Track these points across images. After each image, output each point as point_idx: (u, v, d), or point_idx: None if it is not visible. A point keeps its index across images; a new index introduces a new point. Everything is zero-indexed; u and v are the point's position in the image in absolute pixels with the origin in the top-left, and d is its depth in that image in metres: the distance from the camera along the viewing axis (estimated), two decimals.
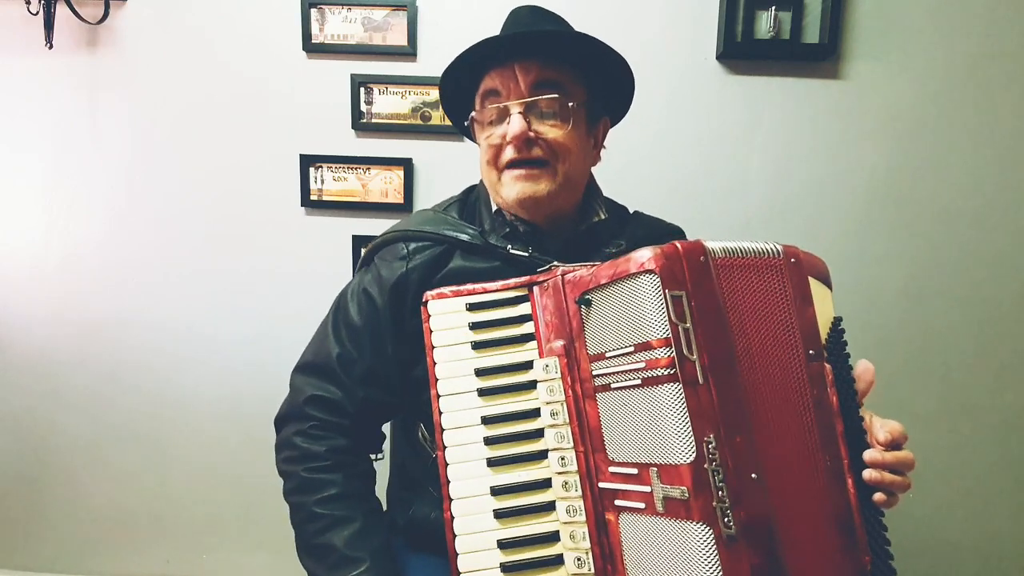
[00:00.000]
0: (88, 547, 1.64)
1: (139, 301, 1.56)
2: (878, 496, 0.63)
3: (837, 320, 0.68)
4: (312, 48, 1.48)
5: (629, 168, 1.48)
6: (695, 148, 1.48)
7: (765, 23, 1.42)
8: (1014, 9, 1.42)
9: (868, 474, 0.63)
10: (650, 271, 0.62)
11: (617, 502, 0.65)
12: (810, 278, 0.68)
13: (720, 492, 0.58)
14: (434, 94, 1.47)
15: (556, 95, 0.80)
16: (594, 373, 0.68)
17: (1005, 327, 1.49)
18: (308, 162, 1.51)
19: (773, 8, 1.41)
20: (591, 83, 0.85)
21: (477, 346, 0.75)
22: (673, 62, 1.46)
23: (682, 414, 0.59)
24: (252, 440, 1.57)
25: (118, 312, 1.56)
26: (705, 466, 0.58)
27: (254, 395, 1.57)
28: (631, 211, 1.00)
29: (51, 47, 1.47)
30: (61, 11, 1.46)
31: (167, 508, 1.61)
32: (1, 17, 1.50)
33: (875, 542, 0.63)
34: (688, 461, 0.59)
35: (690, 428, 0.59)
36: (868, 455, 0.64)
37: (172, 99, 1.51)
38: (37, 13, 1.45)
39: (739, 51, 1.43)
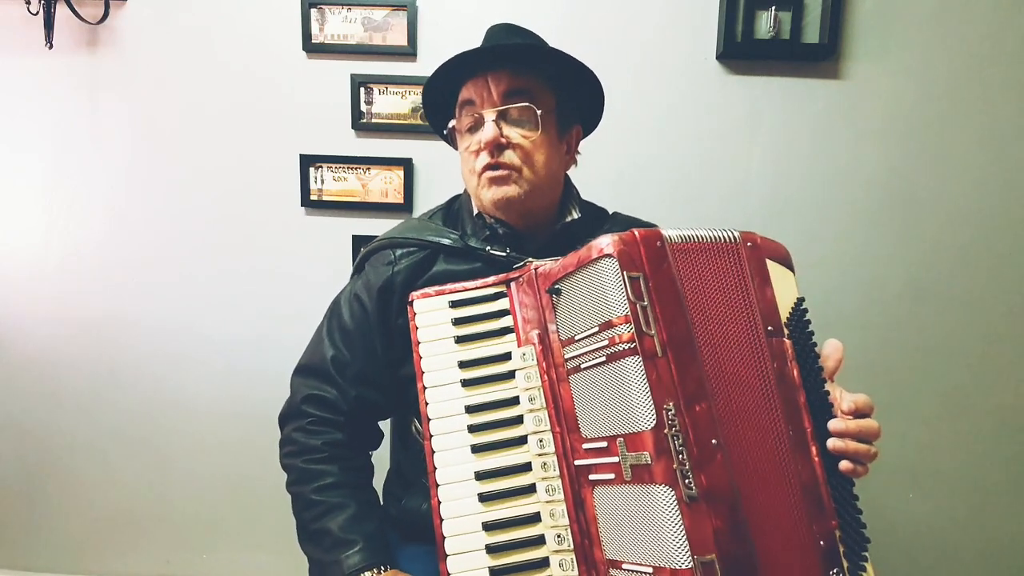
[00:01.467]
0: (88, 547, 1.66)
1: (139, 301, 1.58)
2: (844, 464, 0.66)
3: (799, 300, 0.72)
4: (312, 48, 1.49)
5: (629, 168, 1.49)
6: (695, 148, 1.50)
7: (765, 23, 1.43)
8: (1014, 9, 1.44)
9: (832, 443, 0.66)
10: (609, 255, 0.67)
11: (591, 476, 0.69)
12: (770, 261, 0.72)
13: (680, 456, 0.61)
14: None
15: (526, 103, 0.86)
16: (566, 357, 0.73)
17: (1005, 327, 1.51)
18: (308, 162, 1.52)
19: (773, 8, 1.43)
20: (560, 92, 0.91)
21: (460, 340, 0.80)
22: (673, 62, 1.48)
23: (643, 385, 0.64)
24: (252, 440, 1.58)
25: (118, 312, 1.58)
26: (665, 431, 0.62)
27: (254, 395, 1.58)
28: (611, 212, 1.04)
29: (51, 47, 1.49)
30: (61, 11, 1.48)
31: (167, 508, 1.64)
32: (1, 17, 1.52)
33: (844, 510, 0.66)
34: (649, 427, 0.63)
35: (650, 397, 0.63)
36: (832, 424, 0.67)
37: (172, 99, 1.53)
38: (37, 13, 1.47)
39: (739, 51, 1.45)
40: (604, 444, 0.67)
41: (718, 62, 1.48)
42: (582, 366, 0.70)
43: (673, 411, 0.62)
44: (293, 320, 1.54)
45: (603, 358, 0.67)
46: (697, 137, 1.50)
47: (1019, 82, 1.45)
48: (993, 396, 1.52)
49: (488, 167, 0.86)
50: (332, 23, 1.49)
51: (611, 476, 0.66)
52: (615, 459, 0.65)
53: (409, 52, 1.49)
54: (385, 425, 1.00)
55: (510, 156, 0.86)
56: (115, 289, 1.57)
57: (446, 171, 1.52)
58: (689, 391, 0.64)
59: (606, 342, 0.67)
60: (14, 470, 1.63)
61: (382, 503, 0.99)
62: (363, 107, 1.51)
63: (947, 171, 1.48)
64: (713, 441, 0.63)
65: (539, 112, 0.86)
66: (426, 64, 1.49)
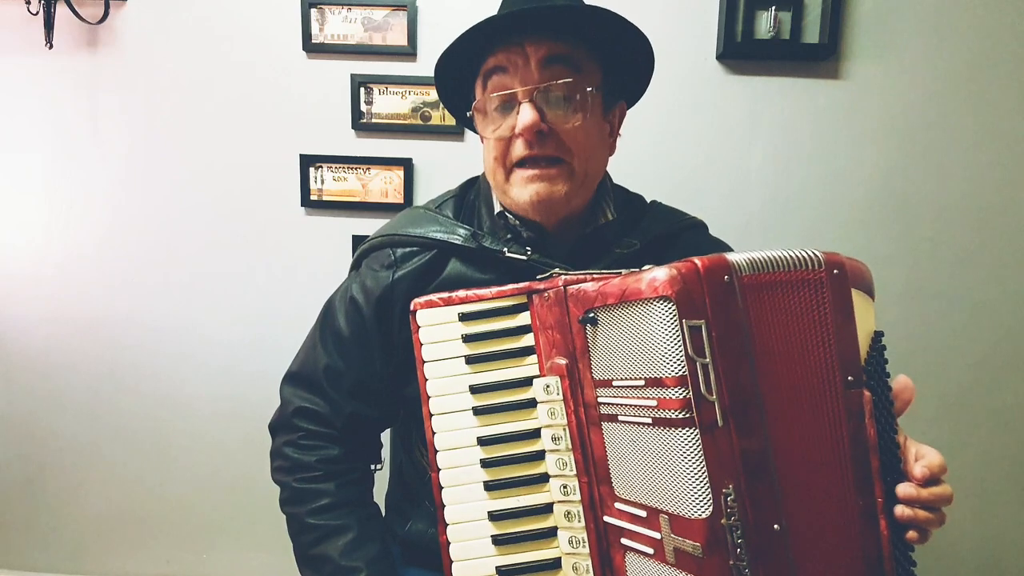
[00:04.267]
0: (88, 547, 1.63)
1: (139, 301, 1.55)
2: (911, 534, 0.57)
3: (878, 335, 0.59)
4: (312, 48, 1.48)
5: (629, 168, 1.47)
6: (695, 148, 1.48)
7: (765, 23, 1.41)
8: (1014, 9, 1.41)
9: (901, 511, 0.56)
10: (665, 297, 0.53)
11: (624, 540, 0.60)
12: (853, 290, 0.58)
13: (738, 551, 0.52)
14: (435, 94, 1.47)
15: (571, 79, 0.69)
16: (600, 400, 0.62)
17: (1005, 327, 1.49)
18: (308, 162, 1.50)
19: (773, 8, 1.41)
20: (606, 62, 0.74)
21: (471, 361, 0.68)
22: (673, 62, 1.45)
23: (698, 462, 0.53)
24: (252, 440, 1.56)
25: (118, 312, 1.56)
26: (722, 521, 0.52)
27: (254, 395, 1.56)
28: (648, 200, 0.90)
29: (51, 47, 1.46)
30: (61, 11, 1.45)
31: (167, 508, 1.61)
32: (1, 17, 1.49)
33: None
34: (703, 516, 0.53)
35: (707, 478, 0.52)
36: (902, 490, 0.56)
37: (172, 99, 1.50)
38: (37, 13, 1.45)
39: (739, 51, 1.43)
40: (643, 513, 0.57)
41: (718, 62, 1.46)
42: (620, 417, 0.59)
43: (733, 495, 0.52)
44: (293, 320, 1.51)
45: (648, 420, 0.56)
46: (697, 137, 1.47)
47: (1019, 82, 1.42)
48: (993, 396, 1.50)
49: (525, 160, 0.71)
50: (332, 23, 1.47)
51: (650, 551, 0.57)
52: (656, 535, 0.56)
53: (409, 52, 1.47)
54: None
55: (553, 147, 0.70)
56: (115, 289, 1.54)
57: (446, 171, 1.50)
58: (752, 466, 0.53)
59: (654, 403, 0.55)
60: (14, 470, 1.60)
61: (384, 514, 0.92)
62: (363, 107, 1.49)
63: (947, 171, 1.45)
64: (776, 527, 0.53)
65: (589, 90, 0.69)
66: (426, 64, 1.47)
